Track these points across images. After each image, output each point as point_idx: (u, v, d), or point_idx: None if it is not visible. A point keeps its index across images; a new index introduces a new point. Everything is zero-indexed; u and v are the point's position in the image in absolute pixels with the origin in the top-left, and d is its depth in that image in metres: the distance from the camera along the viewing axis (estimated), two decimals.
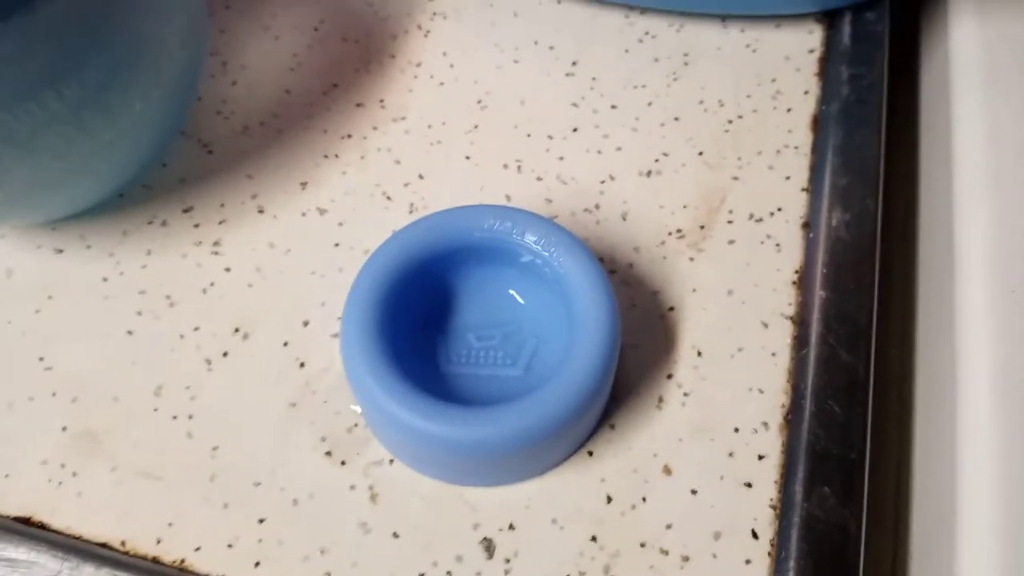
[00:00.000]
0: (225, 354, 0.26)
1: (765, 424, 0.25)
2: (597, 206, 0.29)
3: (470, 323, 0.25)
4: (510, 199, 0.29)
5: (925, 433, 0.26)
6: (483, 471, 0.24)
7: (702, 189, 0.29)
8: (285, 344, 0.27)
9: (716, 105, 0.31)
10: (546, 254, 0.24)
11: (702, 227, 0.28)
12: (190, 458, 0.25)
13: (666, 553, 0.23)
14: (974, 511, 0.22)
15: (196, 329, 0.27)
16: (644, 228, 0.28)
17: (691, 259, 0.28)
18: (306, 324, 0.27)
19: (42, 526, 0.24)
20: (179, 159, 0.30)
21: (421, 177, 0.30)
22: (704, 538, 0.23)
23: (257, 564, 0.23)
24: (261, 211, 0.29)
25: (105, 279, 0.28)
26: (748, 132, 0.30)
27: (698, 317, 0.27)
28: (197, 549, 0.24)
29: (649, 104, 0.31)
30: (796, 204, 0.29)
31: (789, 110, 0.31)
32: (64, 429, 0.25)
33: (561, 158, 0.30)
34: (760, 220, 0.28)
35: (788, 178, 0.29)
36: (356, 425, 0.25)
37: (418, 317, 0.25)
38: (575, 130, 0.31)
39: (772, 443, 0.25)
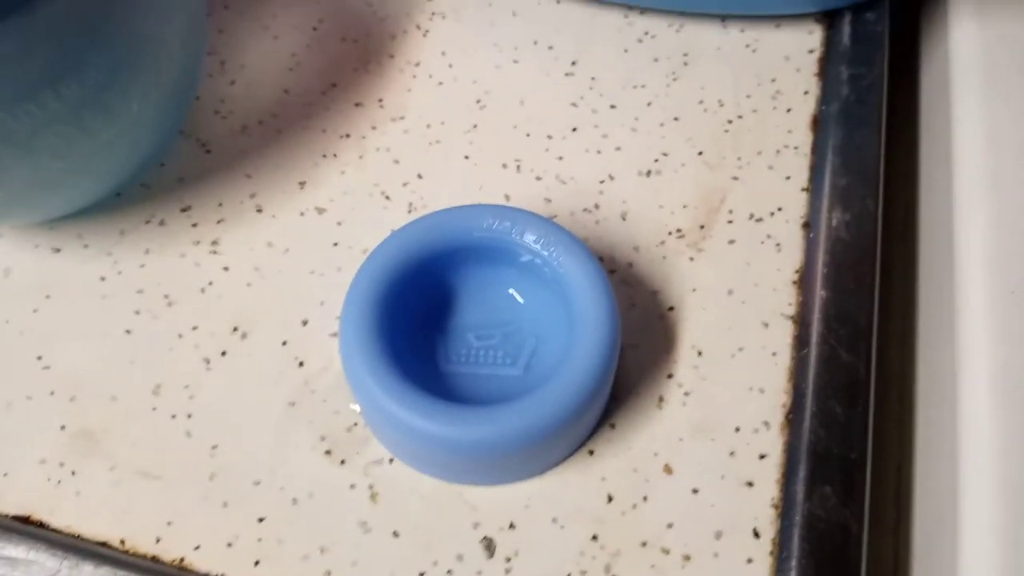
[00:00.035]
0: (224, 353, 0.26)
1: (766, 423, 0.25)
2: (596, 206, 0.29)
3: (469, 322, 0.25)
4: (509, 199, 0.29)
5: (926, 433, 0.26)
6: (483, 470, 0.24)
7: (702, 189, 0.29)
8: (284, 343, 0.26)
9: (716, 105, 0.31)
10: (545, 253, 0.24)
11: (702, 227, 0.28)
12: (189, 457, 0.25)
13: (667, 552, 0.23)
14: (975, 510, 0.22)
15: (194, 328, 0.27)
16: (644, 228, 0.28)
17: (691, 259, 0.28)
18: (305, 323, 0.27)
19: (41, 525, 0.24)
20: (177, 158, 0.30)
21: (420, 177, 0.30)
22: (705, 537, 0.23)
23: (257, 563, 0.23)
24: (260, 210, 0.29)
25: (103, 278, 0.28)
26: (748, 132, 0.30)
27: (698, 317, 0.27)
28: (196, 548, 0.24)
29: (648, 104, 0.31)
30: (796, 204, 0.29)
31: (789, 110, 0.31)
32: (63, 428, 0.25)
33: (560, 158, 0.30)
34: (760, 220, 0.28)
35: (788, 178, 0.29)
36: (355, 424, 0.25)
37: (417, 316, 0.25)
38: (574, 130, 0.31)
39: (773, 442, 0.25)
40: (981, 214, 0.26)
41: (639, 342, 0.26)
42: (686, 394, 0.25)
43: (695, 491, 0.24)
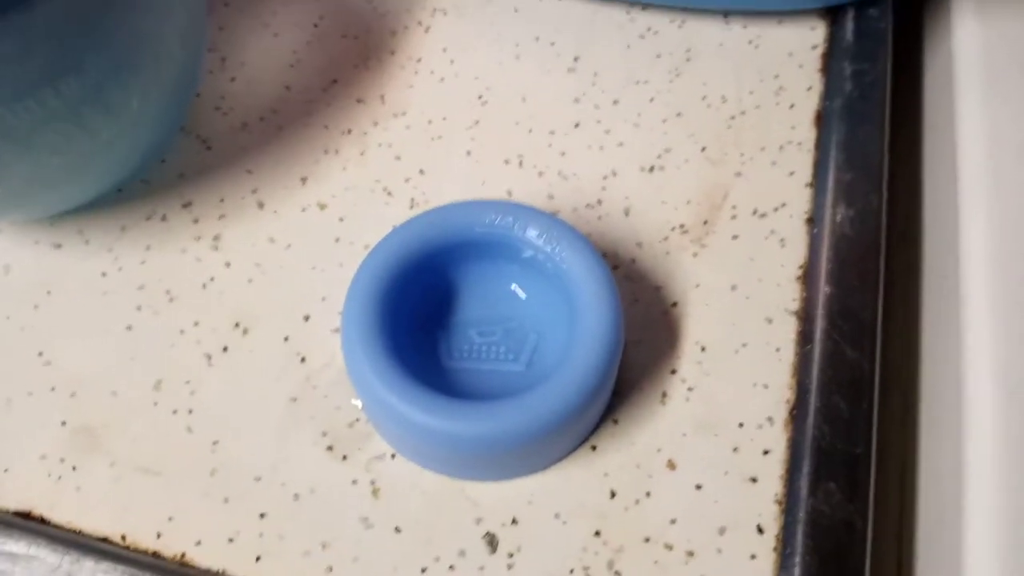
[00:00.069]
0: (225, 349, 0.26)
1: (770, 419, 0.25)
2: (599, 201, 0.29)
3: (471, 318, 0.25)
4: (511, 194, 0.29)
5: (930, 429, 0.25)
6: (485, 466, 0.24)
7: (705, 185, 0.29)
8: (286, 339, 0.26)
9: (719, 101, 0.31)
10: (548, 249, 0.24)
11: (705, 223, 0.28)
12: (190, 453, 0.25)
13: (670, 548, 0.23)
14: (979, 506, 0.22)
15: (196, 324, 0.27)
16: (647, 224, 0.28)
17: (694, 255, 0.28)
18: (307, 319, 0.27)
19: (42, 520, 0.24)
20: (178, 155, 0.30)
21: (422, 172, 0.30)
22: (709, 533, 0.23)
23: (258, 559, 0.23)
24: (261, 206, 0.29)
25: (104, 274, 0.28)
26: (751, 128, 0.30)
27: (701, 313, 0.27)
28: (198, 543, 0.23)
29: (651, 100, 0.31)
30: (800, 200, 0.28)
31: (792, 106, 0.31)
32: (63, 424, 0.25)
33: (563, 154, 0.30)
34: (764, 216, 0.28)
35: (792, 174, 0.29)
36: (357, 420, 0.25)
37: (419, 312, 0.25)
38: (577, 126, 0.30)
39: (777, 438, 0.25)
40: (985, 209, 0.26)
41: (642, 338, 0.26)
42: (689, 390, 0.25)
43: (698, 487, 0.24)
